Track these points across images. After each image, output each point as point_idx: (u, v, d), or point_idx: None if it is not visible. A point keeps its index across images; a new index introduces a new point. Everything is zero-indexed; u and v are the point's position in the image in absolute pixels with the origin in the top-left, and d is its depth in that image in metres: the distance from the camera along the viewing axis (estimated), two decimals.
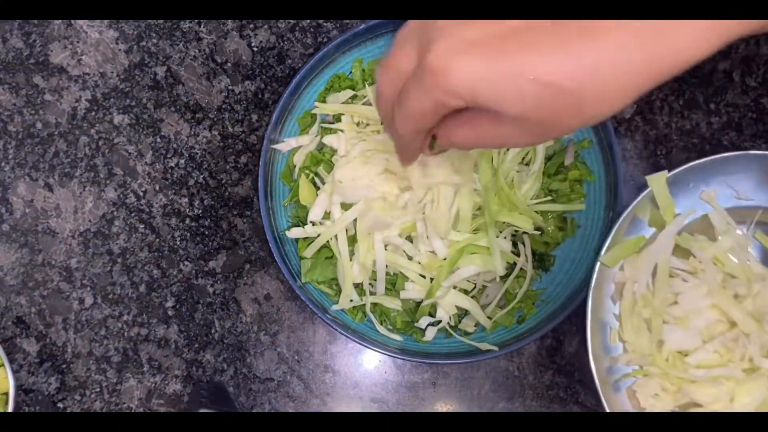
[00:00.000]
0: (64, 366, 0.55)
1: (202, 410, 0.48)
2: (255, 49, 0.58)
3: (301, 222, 0.52)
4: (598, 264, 0.47)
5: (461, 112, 0.32)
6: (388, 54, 0.34)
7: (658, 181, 0.48)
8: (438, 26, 0.31)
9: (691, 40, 0.28)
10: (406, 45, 0.33)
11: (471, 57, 0.29)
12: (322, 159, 0.51)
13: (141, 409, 0.55)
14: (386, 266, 0.50)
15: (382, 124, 0.49)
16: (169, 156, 0.57)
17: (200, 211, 0.56)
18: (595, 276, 0.47)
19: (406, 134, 0.35)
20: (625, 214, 0.48)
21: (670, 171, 0.48)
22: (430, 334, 0.51)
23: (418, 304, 0.51)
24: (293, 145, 0.52)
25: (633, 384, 0.50)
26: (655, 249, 0.49)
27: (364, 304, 0.51)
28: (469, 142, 0.34)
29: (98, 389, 0.55)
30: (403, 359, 0.51)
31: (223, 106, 0.57)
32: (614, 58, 0.27)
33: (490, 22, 0.29)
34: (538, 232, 0.51)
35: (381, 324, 0.52)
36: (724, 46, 0.28)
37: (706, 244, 0.50)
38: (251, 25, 0.58)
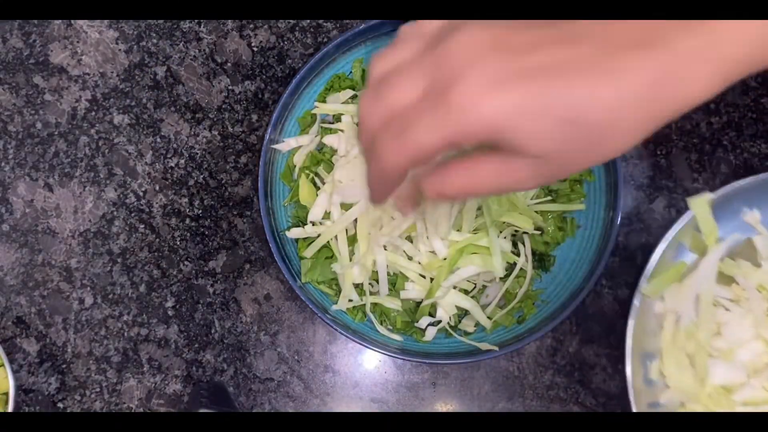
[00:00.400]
0: (64, 366, 0.55)
1: (202, 410, 0.48)
2: (255, 49, 0.58)
3: (301, 222, 0.52)
4: (639, 295, 0.45)
5: (460, 159, 0.31)
6: (383, 79, 0.32)
7: (700, 204, 0.46)
8: (458, 57, 0.29)
9: (704, 81, 0.28)
10: (412, 73, 0.31)
11: (500, 94, 0.28)
12: (322, 159, 0.51)
13: (141, 409, 0.55)
14: (386, 266, 0.50)
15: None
16: (169, 156, 0.57)
17: (200, 211, 0.56)
18: (634, 306, 0.45)
19: (396, 166, 0.32)
20: (667, 241, 0.45)
21: (711, 191, 0.45)
22: (430, 334, 0.51)
23: (418, 304, 0.51)
24: (293, 145, 0.52)
25: None
26: (697, 278, 0.47)
27: (364, 304, 0.51)
28: (465, 189, 0.32)
29: (98, 389, 0.55)
30: (403, 359, 0.51)
31: (223, 106, 0.57)
32: (638, 94, 0.27)
33: (513, 56, 0.29)
34: (538, 232, 0.51)
35: (381, 324, 0.52)
36: (727, 86, 0.29)
37: (751, 270, 0.47)
38: (251, 25, 0.58)
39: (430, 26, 0.33)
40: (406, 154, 0.31)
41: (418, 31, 0.33)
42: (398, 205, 0.39)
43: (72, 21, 0.57)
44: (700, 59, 0.27)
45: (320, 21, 0.58)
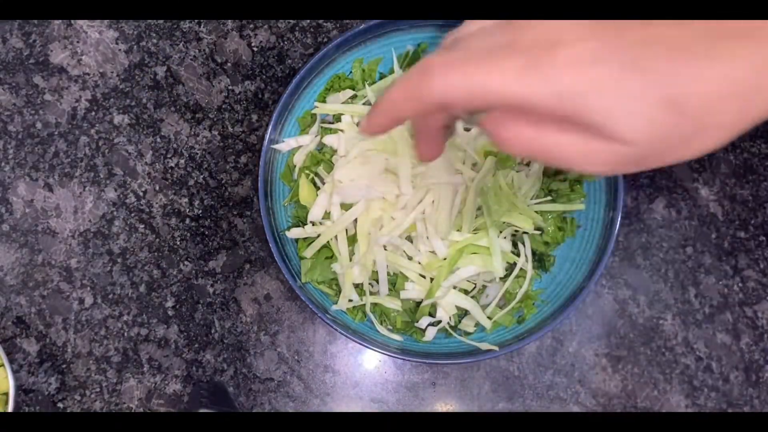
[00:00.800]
0: (64, 366, 0.55)
1: (202, 410, 0.48)
2: (255, 49, 0.58)
3: (301, 222, 0.52)
4: None
5: (539, 118, 0.28)
6: (459, 52, 0.29)
7: None
8: (551, 28, 0.27)
9: None
10: (496, 29, 0.28)
11: (599, 68, 0.25)
12: (322, 159, 0.51)
13: (141, 409, 0.55)
14: (386, 266, 0.50)
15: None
16: (169, 156, 0.57)
17: (200, 211, 0.56)
18: None
19: (446, 86, 0.28)
20: None
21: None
22: (430, 334, 0.51)
23: (418, 304, 0.51)
24: (293, 145, 0.52)
25: None
26: None
27: (364, 305, 0.51)
28: (536, 153, 0.29)
29: (98, 389, 0.55)
30: (403, 359, 0.51)
31: (223, 106, 0.57)
32: (743, 81, 0.25)
33: (613, 31, 0.26)
34: (539, 232, 0.51)
35: (381, 324, 0.51)
36: None
37: None
38: (251, 25, 0.58)
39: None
40: (472, 88, 0.27)
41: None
42: (420, 150, 0.35)
43: (72, 21, 0.57)
44: None
45: (320, 21, 0.58)
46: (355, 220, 0.49)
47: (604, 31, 0.26)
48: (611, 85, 0.25)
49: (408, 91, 0.29)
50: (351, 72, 0.53)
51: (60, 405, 0.55)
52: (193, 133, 0.57)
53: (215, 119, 0.57)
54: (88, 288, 0.55)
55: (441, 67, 0.28)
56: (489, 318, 0.51)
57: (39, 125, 0.57)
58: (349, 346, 0.56)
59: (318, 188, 0.52)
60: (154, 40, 0.57)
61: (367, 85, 0.52)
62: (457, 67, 0.28)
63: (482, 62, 0.27)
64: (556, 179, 0.52)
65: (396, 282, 0.50)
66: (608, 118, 0.26)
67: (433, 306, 0.51)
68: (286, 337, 0.56)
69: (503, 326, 0.51)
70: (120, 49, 0.57)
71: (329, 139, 0.51)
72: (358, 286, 0.51)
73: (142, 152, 0.57)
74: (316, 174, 0.52)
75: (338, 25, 0.58)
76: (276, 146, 0.51)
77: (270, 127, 0.50)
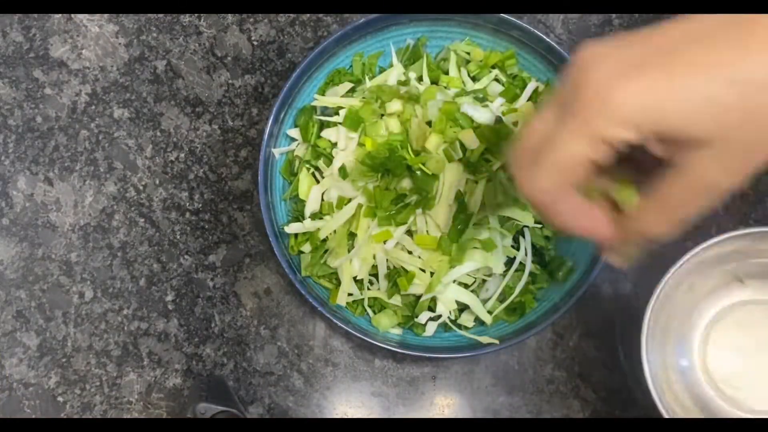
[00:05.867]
0: (64, 360, 0.55)
1: (201, 404, 0.48)
2: (255, 43, 0.58)
3: (301, 216, 0.52)
4: None
5: (645, 196, 0.27)
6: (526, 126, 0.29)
7: None
8: (586, 59, 0.26)
9: None
10: (546, 110, 0.28)
11: (640, 77, 0.24)
12: (322, 153, 0.51)
13: (141, 403, 0.55)
14: (386, 261, 0.50)
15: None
16: (169, 150, 0.57)
17: (200, 205, 0.56)
18: None
19: (548, 191, 0.28)
20: None
21: None
22: (430, 329, 0.51)
23: (418, 298, 0.51)
24: (292, 147, 0.52)
25: None
26: None
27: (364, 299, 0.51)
28: (677, 221, 0.28)
29: (98, 383, 0.55)
30: (403, 353, 0.51)
31: (223, 100, 0.57)
32: None
33: (640, 42, 0.25)
34: (539, 226, 0.51)
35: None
36: None
37: None
38: (251, 19, 0.58)
39: None
40: (553, 174, 0.27)
41: None
42: (615, 258, 0.34)
43: (72, 15, 0.57)
44: None
45: (320, 15, 0.58)
46: (354, 214, 0.49)
47: (631, 44, 0.25)
48: (664, 89, 0.24)
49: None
50: (351, 66, 0.53)
51: (60, 399, 0.55)
52: (193, 127, 0.57)
53: (215, 113, 0.57)
54: (88, 282, 0.55)
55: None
56: (489, 312, 0.51)
57: (39, 119, 0.57)
58: (350, 340, 0.56)
59: (318, 182, 0.52)
60: (154, 34, 0.57)
61: (367, 78, 0.52)
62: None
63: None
64: None
65: (395, 276, 0.50)
66: (686, 125, 0.24)
67: (433, 300, 0.51)
68: (286, 331, 0.56)
69: (503, 320, 0.51)
70: (120, 43, 0.57)
71: (328, 133, 0.51)
72: (358, 281, 0.51)
73: (142, 146, 0.57)
74: (317, 168, 0.52)
75: (338, 19, 0.58)
76: (274, 150, 0.51)
77: (270, 121, 0.50)
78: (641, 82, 0.24)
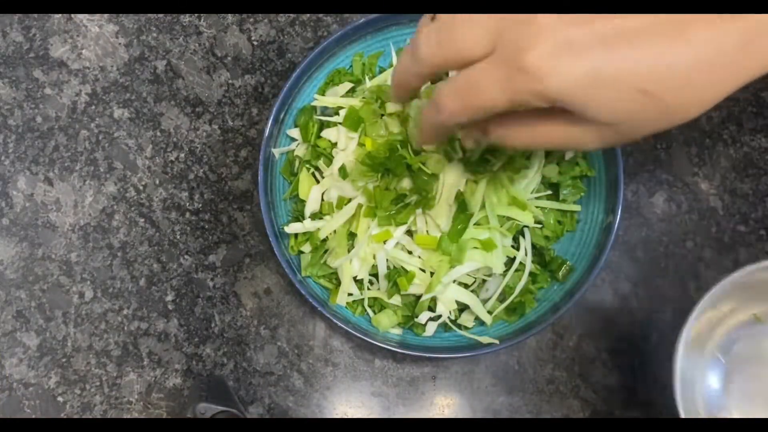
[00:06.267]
0: (64, 360, 0.55)
1: (201, 404, 0.48)
2: (255, 43, 0.58)
3: (301, 216, 0.52)
4: None
5: (525, 113, 0.31)
6: (446, 24, 0.32)
7: None
8: (538, 23, 0.29)
9: None
10: (478, 26, 0.31)
11: (575, 61, 0.28)
12: (323, 153, 0.51)
13: (141, 403, 0.55)
14: (386, 261, 0.50)
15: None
16: (169, 150, 0.57)
17: (200, 205, 0.56)
18: None
19: (456, 119, 0.32)
20: None
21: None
22: (430, 329, 0.51)
23: (418, 298, 0.51)
24: (292, 147, 0.52)
25: None
26: None
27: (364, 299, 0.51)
28: (527, 143, 0.33)
29: (98, 383, 0.55)
30: (403, 353, 0.51)
31: (223, 100, 0.57)
32: (715, 58, 0.28)
33: (588, 19, 0.28)
34: (539, 226, 0.51)
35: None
36: None
37: None
38: (251, 19, 0.58)
39: None
40: (469, 110, 0.31)
41: None
42: (421, 139, 0.39)
43: (72, 15, 0.57)
44: None
45: (320, 15, 0.58)
46: (354, 215, 0.49)
47: (571, 23, 0.28)
48: (584, 79, 0.28)
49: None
50: (351, 66, 0.53)
51: (60, 399, 0.55)
52: (193, 127, 0.57)
53: (215, 113, 0.57)
54: (88, 282, 0.55)
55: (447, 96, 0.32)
56: (489, 312, 0.51)
57: (39, 119, 0.57)
58: (350, 340, 0.56)
59: (318, 182, 0.52)
60: (154, 34, 0.57)
61: (367, 79, 0.52)
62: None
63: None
64: (560, 167, 0.51)
65: (395, 276, 0.50)
66: (587, 107, 0.29)
67: (433, 300, 0.51)
68: (286, 331, 0.56)
69: (503, 320, 0.51)
70: (120, 43, 0.57)
71: (328, 133, 0.51)
72: (358, 281, 0.51)
73: (142, 146, 0.57)
74: (317, 168, 0.52)
75: (338, 19, 0.58)
76: (274, 150, 0.51)
77: (270, 121, 0.50)
78: (575, 65, 0.28)
